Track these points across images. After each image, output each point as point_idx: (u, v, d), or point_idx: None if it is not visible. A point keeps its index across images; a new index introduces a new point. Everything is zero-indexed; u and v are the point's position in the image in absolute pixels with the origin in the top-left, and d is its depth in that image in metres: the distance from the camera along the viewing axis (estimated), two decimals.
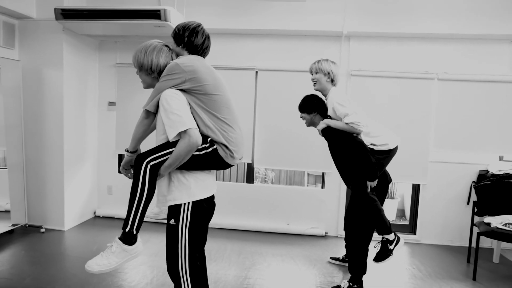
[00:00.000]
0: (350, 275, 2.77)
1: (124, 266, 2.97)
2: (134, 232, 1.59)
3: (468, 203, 3.84)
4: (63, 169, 3.78)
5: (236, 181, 6.20)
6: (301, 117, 2.79)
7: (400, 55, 3.86)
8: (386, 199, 4.87)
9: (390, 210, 5.07)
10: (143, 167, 1.56)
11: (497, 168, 3.64)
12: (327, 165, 3.95)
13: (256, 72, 4.06)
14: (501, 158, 3.93)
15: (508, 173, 3.47)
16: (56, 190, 3.81)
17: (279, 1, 3.75)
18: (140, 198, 1.56)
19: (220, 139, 1.63)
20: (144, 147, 1.73)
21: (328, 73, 2.68)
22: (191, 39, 1.71)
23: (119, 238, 1.59)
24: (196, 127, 1.57)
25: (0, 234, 3.48)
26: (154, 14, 3.25)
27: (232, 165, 1.73)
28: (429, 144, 3.86)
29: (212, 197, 1.76)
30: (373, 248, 2.78)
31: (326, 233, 4.07)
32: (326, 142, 2.76)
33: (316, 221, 4.09)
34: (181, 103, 1.56)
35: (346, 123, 2.53)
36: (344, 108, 2.54)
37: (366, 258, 2.74)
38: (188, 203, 1.62)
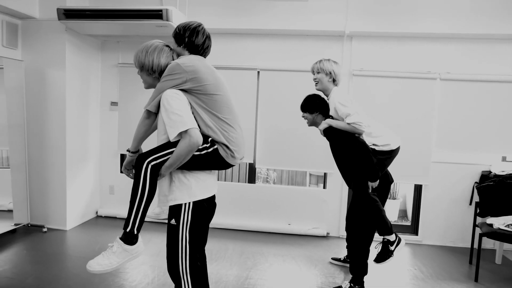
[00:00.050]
0: (351, 275, 2.76)
1: (125, 266, 2.98)
2: (135, 232, 1.59)
3: (470, 204, 3.82)
4: (65, 169, 3.79)
5: (238, 181, 6.21)
6: (303, 116, 2.78)
7: (402, 55, 3.85)
8: (388, 200, 4.88)
9: (392, 210, 5.06)
10: (144, 167, 1.56)
11: (499, 168, 3.62)
12: (329, 165, 3.94)
13: (258, 72, 4.06)
14: (504, 159, 3.90)
15: (511, 174, 3.45)
16: (58, 189, 3.82)
17: (281, 1, 3.75)
18: (141, 198, 1.57)
19: (220, 139, 1.63)
20: (146, 147, 1.73)
21: (330, 73, 2.68)
22: (192, 39, 1.71)
23: (120, 238, 1.60)
24: (197, 127, 1.57)
25: (3, 233, 3.49)
26: (156, 14, 3.26)
27: (233, 165, 1.73)
28: (431, 145, 3.85)
29: (213, 197, 1.76)
30: (374, 249, 2.78)
31: (327, 233, 4.06)
32: (328, 142, 2.75)
33: (317, 221, 4.09)
34: (182, 103, 1.57)
35: (348, 123, 2.53)
36: (346, 108, 2.54)
37: (367, 259, 2.73)
38: (189, 203, 1.62)
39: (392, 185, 3.20)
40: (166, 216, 1.78)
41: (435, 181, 3.88)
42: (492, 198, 3.34)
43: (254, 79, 4.05)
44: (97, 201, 4.42)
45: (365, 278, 2.74)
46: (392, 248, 2.66)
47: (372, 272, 2.90)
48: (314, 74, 2.75)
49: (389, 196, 4.97)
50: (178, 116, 1.53)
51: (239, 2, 3.84)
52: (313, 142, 3.90)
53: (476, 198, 3.64)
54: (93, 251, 3.29)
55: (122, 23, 3.40)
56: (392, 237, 2.68)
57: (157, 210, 1.94)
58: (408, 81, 3.83)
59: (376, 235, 2.79)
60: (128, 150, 1.78)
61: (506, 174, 3.48)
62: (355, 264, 2.72)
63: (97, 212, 4.41)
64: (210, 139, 1.63)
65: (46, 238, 3.60)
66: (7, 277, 2.73)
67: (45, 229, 3.77)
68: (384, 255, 2.69)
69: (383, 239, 2.72)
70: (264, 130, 4.10)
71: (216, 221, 4.07)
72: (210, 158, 1.63)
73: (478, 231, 3.16)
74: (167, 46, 1.73)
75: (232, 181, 6.22)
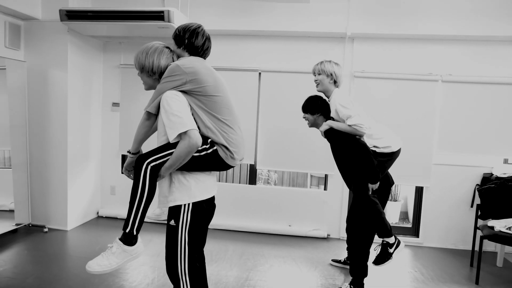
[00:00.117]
0: (351, 277, 2.76)
1: (125, 267, 2.98)
2: (135, 233, 1.60)
3: (471, 206, 3.81)
4: (66, 169, 3.80)
5: (239, 183, 6.21)
6: (304, 117, 2.78)
7: (404, 57, 3.85)
8: (389, 202, 4.87)
9: (393, 212, 5.05)
10: (143, 168, 1.56)
11: (501, 171, 3.60)
12: (329, 167, 3.93)
13: (260, 73, 4.06)
14: (505, 161, 3.89)
15: None
16: (59, 190, 3.84)
17: (283, 2, 3.75)
18: (140, 199, 1.57)
19: (220, 140, 1.63)
20: (146, 148, 1.73)
21: (331, 75, 2.68)
22: (192, 41, 1.71)
23: (120, 239, 1.60)
24: (196, 128, 1.57)
25: (4, 233, 3.51)
26: (158, 15, 3.27)
27: (233, 166, 1.73)
28: (432, 146, 3.84)
29: (213, 198, 1.76)
30: (373, 251, 2.77)
31: (328, 235, 4.05)
32: (329, 144, 2.75)
33: (318, 223, 4.08)
34: (182, 105, 1.57)
35: (349, 125, 2.53)
36: (347, 110, 2.54)
37: (368, 261, 2.73)
38: (189, 204, 1.62)
39: (393, 187, 3.20)
40: (166, 217, 1.79)
41: (436, 183, 3.87)
42: (494, 200, 3.33)
43: (255, 80, 4.05)
44: (98, 202, 4.43)
45: (365, 280, 2.74)
46: (391, 250, 2.66)
47: (372, 274, 2.90)
48: (315, 75, 2.75)
49: (390, 198, 4.99)
50: (178, 118, 1.53)
51: (240, 3, 3.85)
52: (314, 143, 3.89)
53: (478, 200, 3.63)
54: (94, 251, 3.30)
55: (124, 24, 3.41)
56: (391, 240, 2.67)
57: (158, 211, 1.95)
58: (409, 83, 3.82)
59: (376, 237, 2.79)
60: (128, 152, 1.78)
61: (507, 177, 3.47)
62: (355, 266, 2.72)
63: (98, 213, 4.42)
64: (209, 140, 1.63)
65: (47, 238, 3.61)
66: (8, 277, 2.74)
67: (46, 229, 3.78)
68: (383, 257, 2.68)
69: (382, 241, 2.71)
70: (265, 132, 4.10)
71: (217, 222, 4.07)
72: (209, 159, 1.63)
73: (479, 233, 3.15)
74: (167, 47, 1.73)
75: (233, 182, 6.22)
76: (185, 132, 1.53)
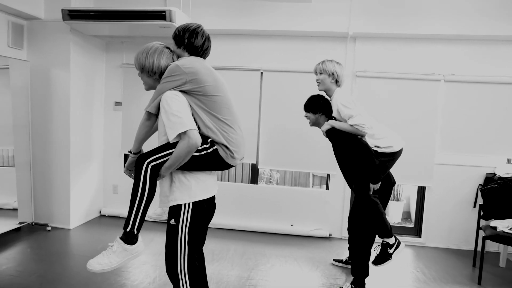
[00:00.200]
0: (352, 277, 2.76)
1: (127, 265, 3.00)
2: (135, 232, 1.60)
3: (474, 206, 3.79)
4: (69, 168, 3.82)
5: (241, 182, 6.21)
6: (305, 116, 2.78)
7: (406, 56, 3.83)
8: (391, 201, 4.86)
9: (395, 212, 5.03)
10: (144, 168, 1.57)
11: (504, 171, 3.58)
12: (331, 166, 3.92)
13: (261, 73, 4.06)
14: (508, 161, 3.87)
15: None
16: (62, 189, 3.86)
17: (285, 2, 3.74)
18: (141, 198, 1.58)
19: (220, 140, 1.64)
20: (147, 148, 1.74)
21: (333, 74, 2.67)
22: (191, 41, 1.72)
23: (120, 238, 1.61)
24: (196, 128, 1.57)
25: (8, 231, 3.53)
26: (160, 15, 3.28)
27: (233, 166, 1.74)
28: (435, 146, 3.83)
29: (213, 198, 1.77)
30: (373, 251, 2.77)
31: (330, 234, 4.05)
32: (330, 143, 2.75)
33: (320, 222, 4.08)
34: (182, 105, 1.58)
35: (351, 125, 2.52)
36: (349, 109, 2.53)
37: (369, 260, 2.72)
38: (189, 203, 1.63)
39: (395, 187, 3.19)
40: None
41: (439, 183, 3.86)
42: (496, 200, 3.31)
43: (257, 80, 4.05)
44: (100, 201, 4.45)
45: (367, 280, 2.74)
46: (391, 251, 2.65)
47: (374, 274, 2.89)
48: (316, 75, 2.75)
49: (392, 197, 4.97)
50: (177, 118, 1.54)
51: (242, 3, 3.85)
52: (316, 142, 3.89)
53: (480, 200, 3.61)
54: (96, 250, 3.31)
55: (125, 24, 3.42)
56: (391, 240, 2.67)
57: (159, 211, 1.95)
58: (412, 83, 3.81)
59: (377, 237, 2.78)
60: (129, 151, 1.79)
61: (510, 177, 3.45)
62: (356, 266, 2.72)
63: (100, 212, 4.44)
64: (209, 139, 1.63)
65: (50, 236, 3.63)
66: (11, 275, 2.76)
67: (49, 228, 3.80)
68: (382, 257, 2.68)
69: (382, 241, 2.71)
70: (267, 131, 4.10)
71: (219, 221, 4.08)
72: (210, 159, 1.64)
73: (482, 233, 3.13)
74: (167, 48, 1.74)
75: (235, 182, 6.22)
76: (184, 132, 1.53)
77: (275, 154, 4.10)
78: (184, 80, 1.59)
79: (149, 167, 1.57)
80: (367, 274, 2.71)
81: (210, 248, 3.48)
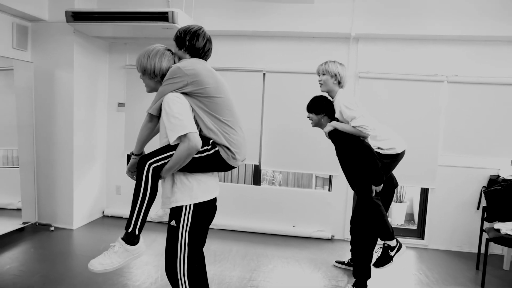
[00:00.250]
0: (354, 279, 2.75)
1: (129, 266, 3.01)
2: (137, 232, 1.61)
3: (478, 208, 3.76)
4: (72, 169, 3.84)
5: (244, 183, 6.21)
6: (308, 117, 2.78)
7: (409, 57, 3.82)
8: (394, 203, 4.84)
9: (398, 214, 5.01)
10: (145, 169, 1.57)
11: (508, 173, 3.56)
12: (334, 167, 3.91)
13: (264, 74, 4.06)
14: None
15: None
16: (65, 189, 3.88)
17: (287, 3, 3.75)
18: (142, 199, 1.58)
19: (222, 141, 1.64)
20: (149, 150, 1.74)
21: (335, 75, 2.66)
22: (193, 42, 1.72)
23: (122, 238, 1.62)
24: (197, 131, 1.58)
25: (11, 231, 3.56)
26: (162, 16, 3.29)
27: (235, 167, 1.74)
28: (438, 148, 3.81)
29: (214, 199, 1.77)
30: (374, 253, 2.76)
31: (332, 236, 4.04)
32: (333, 145, 2.74)
33: (322, 224, 4.07)
34: (183, 107, 1.58)
35: (353, 126, 2.51)
36: (351, 111, 2.53)
37: (371, 262, 2.71)
38: (190, 205, 1.63)
39: (398, 189, 3.18)
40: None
41: (442, 185, 3.84)
42: (500, 203, 3.28)
43: (260, 81, 4.05)
44: (103, 201, 4.47)
45: (369, 282, 2.73)
46: (392, 253, 2.64)
47: (376, 276, 2.88)
48: (319, 76, 2.74)
49: (395, 199, 4.95)
50: (178, 120, 1.54)
51: (245, 4, 3.85)
52: (319, 144, 3.88)
53: (484, 202, 3.58)
54: (99, 250, 3.30)
55: (129, 25, 3.43)
56: (393, 243, 2.65)
57: (161, 212, 1.96)
58: (414, 84, 3.79)
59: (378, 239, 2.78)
60: (131, 153, 1.80)
61: None
62: (358, 268, 2.71)
63: (103, 212, 4.46)
64: (211, 141, 1.64)
65: (53, 236, 3.65)
66: (15, 274, 2.78)
67: (52, 228, 3.82)
68: (383, 260, 2.66)
69: (384, 244, 2.70)
70: (270, 132, 4.10)
71: (221, 222, 4.09)
72: (211, 160, 1.64)
73: (485, 236, 3.11)
74: (169, 50, 1.75)
75: (237, 183, 6.23)
76: (185, 135, 1.53)
77: (277, 155, 4.10)
78: (186, 82, 1.59)
79: (151, 168, 1.58)
80: (369, 276, 2.70)
81: (212, 249, 3.48)
